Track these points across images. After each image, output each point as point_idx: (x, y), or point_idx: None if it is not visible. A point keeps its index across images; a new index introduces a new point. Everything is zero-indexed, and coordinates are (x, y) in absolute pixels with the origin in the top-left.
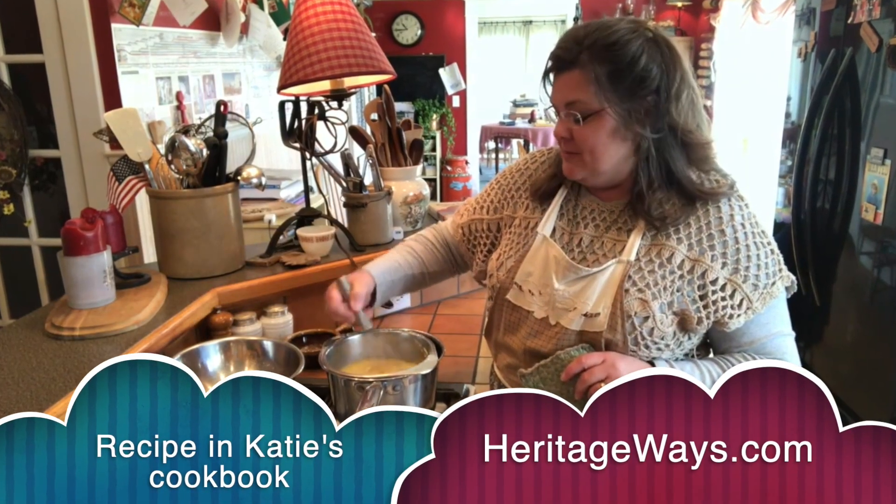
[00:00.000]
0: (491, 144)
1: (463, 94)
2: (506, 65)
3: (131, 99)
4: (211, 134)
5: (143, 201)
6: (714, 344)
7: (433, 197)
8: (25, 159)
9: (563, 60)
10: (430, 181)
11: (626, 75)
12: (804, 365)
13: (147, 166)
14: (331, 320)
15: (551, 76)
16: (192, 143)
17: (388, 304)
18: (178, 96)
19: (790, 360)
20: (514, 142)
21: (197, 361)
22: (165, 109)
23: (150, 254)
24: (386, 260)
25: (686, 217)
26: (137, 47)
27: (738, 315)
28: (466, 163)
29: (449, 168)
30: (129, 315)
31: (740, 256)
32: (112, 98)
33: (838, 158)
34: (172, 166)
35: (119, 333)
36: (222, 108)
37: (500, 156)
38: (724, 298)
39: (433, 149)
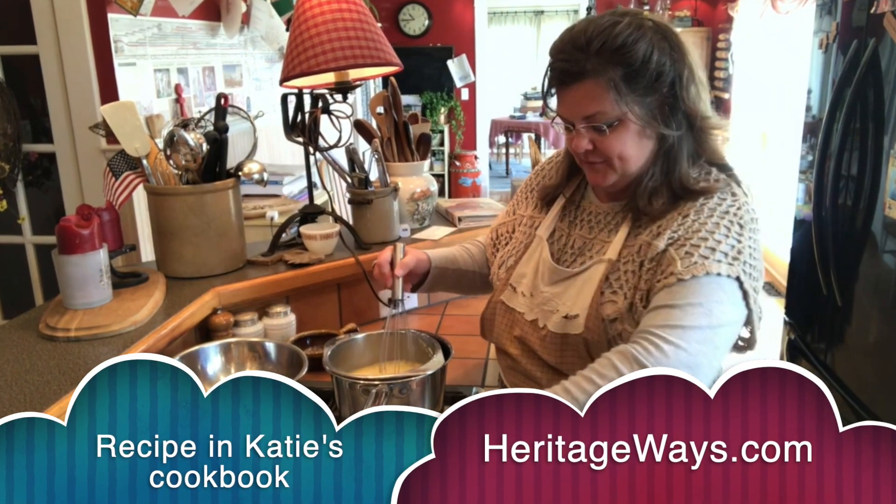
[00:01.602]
0: (501, 139)
1: (472, 87)
2: (516, 56)
3: (128, 92)
4: (211, 128)
5: (140, 198)
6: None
7: (441, 193)
8: (19, 154)
9: (570, 73)
10: (438, 177)
11: (641, 75)
12: (825, 367)
13: (145, 161)
14: (335, 321)
15: (553, 91)
16: (192, 138)
17: (396, 305)
18: (177, 89)
19: (686, 340)
20: (525, 136)
21: (197, 363)
22: (164, 102)
23: (147, 252)
24: (443, 250)
25: (671, 212)
26: (135, 38)
27: (660, 281)
28: (476, 158)
29: (457, 163)
30: (127, 315)
31: (691, 230)
32: (108, 91)
33: (861, 153)
34: (171, 161)
35: (116, 334)
36: (223, 101)
37: (511, 150)
38: (650, 270)
39: (441, 143)
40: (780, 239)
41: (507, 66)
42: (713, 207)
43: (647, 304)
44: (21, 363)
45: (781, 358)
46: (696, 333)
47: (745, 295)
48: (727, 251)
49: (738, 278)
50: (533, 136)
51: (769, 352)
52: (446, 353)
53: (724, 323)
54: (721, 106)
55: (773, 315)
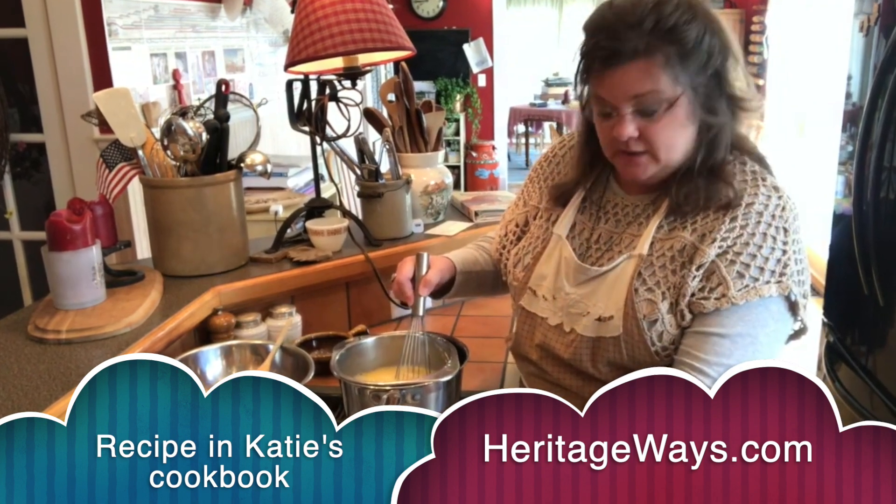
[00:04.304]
0: (520, 128)
1: (489, 73)
2: (537, 40)
3: (123, 78)
4: (211, 116)
5: (136, 191)
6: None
7: (457, 186)
8: (6, 144)
9: (621, 52)
10: (454, 168)
11: (694, 55)
12: (866, 371)
13: (140, 152)
14: (343, 322)
15: (589, 74)
16: (191, 127)
17: (406, 305)
18: (175, 75)
19: None
20: (546, 125)
21: (196, 367)
22: (161, 89)
23: (143, 249)
24: (464, 252)
25: (707, 207)
26: (130, 20)
27: (708, 299)
28: (493, 148)
29: (474, 154)
30: (121, 316)
31: (739, 241)
32: (102, 77)
33: None
34: (168, 152)
35: (110, 336)
36: (224, 87)
37: (531, 140)
38: (699, 280)
39: (457, 133)
40: (818, 235)
41: (527, 51)
42: (760, 211)
43: (689, 307)
44: (9, 367)
45: (820, 361)
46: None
47: (794, 305)
48: (774, 268)
49: (787, 296)
50: (555, 124)
51: (807, 355)
52: (462, 357)
53: (769, 344)
54: None
55: (810, 316)
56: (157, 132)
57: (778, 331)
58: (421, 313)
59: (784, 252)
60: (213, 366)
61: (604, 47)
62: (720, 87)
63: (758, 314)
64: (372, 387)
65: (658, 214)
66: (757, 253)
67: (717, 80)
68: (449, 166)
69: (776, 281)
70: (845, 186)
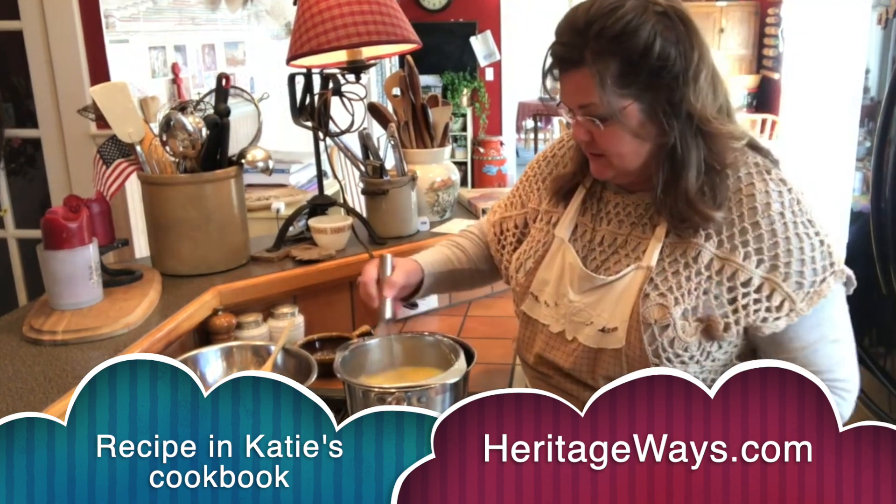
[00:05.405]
0: (529, 123)
1: (497, 66)
2: (546, 33)
3: (121, 71)
4: (211, 111)
5: (133, 188)
6: (761, 352)
7: (463, 182)
8: (0, 140)
9: (566, 60)
10: (460, 165)
11: (641, 67)
12: (884, 373)
13: (139, 148)
14: (347, 323)
15: (555, 72)
16: (190, 122)
17: (413, 305)
18: (174, 68)
19: (843, 369)
20: (556, 120)
21: (196, 369)
22: (159, 83)
23: (142, 247)
24: (433, 252)
25: (727, 215)
26: (128, 13)
27: (778, 318)
28: (501, 144)
29: (481, 150)
30: (119, 317)
31: (779, 251)
32: (99, 70)
33: None
34: (167, 148)
35: (107, 337)
36: (224, 81)
37: (540, 136)
38: (758, 301)
39: (463, 128)
40: (835, 233)
41: (536, 44)
42: (780, 212)
43: (750, 326)
44: (3, 369)
45: None
46: (849, 363)
47: (848, 280)
48: (824, 262)
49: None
50: (564, 119)
51: None
52: (469, 359)
53: (846, 325)
54: (770, 87)
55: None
56: (155, 127)
57: (845, 310)
58: (388, 316)
59: (822, 242)
60: (213, 367)
61: (553, 52)
62: (678, 102)
63: (827, 312)
64: (376, 389)
65: (662, 224)
66: (803, 256)
67: (676, 94)
68: (455, 162)
69: (831, 273)
70: (863, 183)
